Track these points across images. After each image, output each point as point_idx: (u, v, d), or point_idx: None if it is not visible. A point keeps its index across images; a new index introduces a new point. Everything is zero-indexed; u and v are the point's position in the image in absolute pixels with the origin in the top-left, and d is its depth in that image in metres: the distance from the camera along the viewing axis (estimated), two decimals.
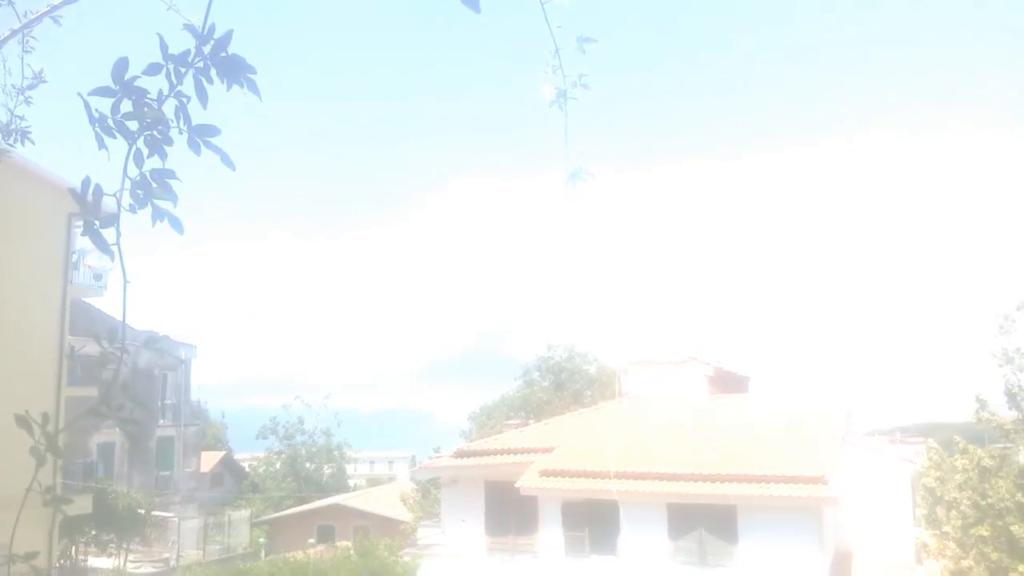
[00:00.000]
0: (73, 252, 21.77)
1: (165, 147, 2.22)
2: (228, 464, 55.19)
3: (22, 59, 3.98)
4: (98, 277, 22.84)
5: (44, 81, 4.04)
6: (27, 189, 19.90)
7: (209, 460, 49.66)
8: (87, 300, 25.32)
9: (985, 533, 15.49)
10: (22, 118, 3.99)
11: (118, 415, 2.16)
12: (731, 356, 27.37)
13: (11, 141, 3.98)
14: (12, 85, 4.00)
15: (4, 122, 3.98)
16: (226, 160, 2.33)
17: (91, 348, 21.97)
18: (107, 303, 26.30)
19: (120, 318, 2.24)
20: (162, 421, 40.49)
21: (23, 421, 2.02)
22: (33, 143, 4.00)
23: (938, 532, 16.92)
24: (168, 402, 40.90)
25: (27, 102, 4.00)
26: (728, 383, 25.08)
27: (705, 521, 17.81)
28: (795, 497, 16.76)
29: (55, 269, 20.91)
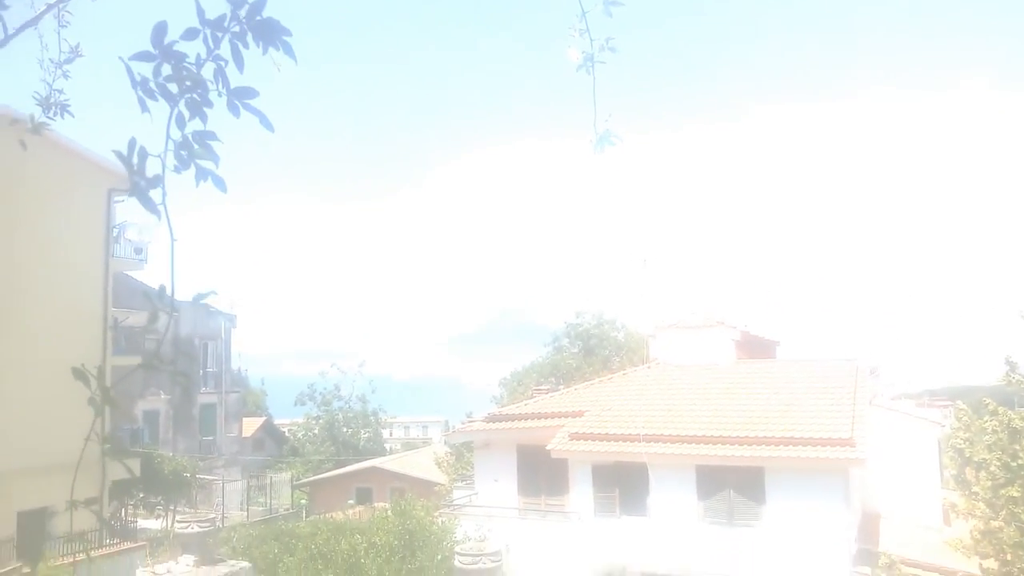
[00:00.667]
0: (114, 226, 22.37)
1: (205, 109, 2.25)
2: (268, 429, 56.71)
3: (59, 33, 3.96)
4: (138, 251, 23.44)
5: (81, 55, 4.03)
6: (68, 166, 20.49)
7: (250, 426, 51.13)
8: (128, 273, 26.09)
9: (1015, 494, 15.35)
10: (61, 91, 3.99)
11: (170, 368, 2.33)
12: (759, 320, 27.25)
13: (51, 114, 3.98)
14: (50, 59, 3.99)
15: (43, 96, 3.98)
16: (264, 122, 2.34)
17: (134, 319, 22.72)
18: (147, 276, 27.01)
19: (163, 281, 2.30)
20: (204, 389, 41.76)
21: (80, 373, 2.13)
22: (72, 116, 4.03)
23: (967, 493, 16.83)
24: (210, 370, 42.12)
25: (65, 76, 4.01)
26: (756, 348, 25.04)
27: (733, 482, 18.00)
28: (823, 459, 16.84)
29: (97, 243, 21.56)
